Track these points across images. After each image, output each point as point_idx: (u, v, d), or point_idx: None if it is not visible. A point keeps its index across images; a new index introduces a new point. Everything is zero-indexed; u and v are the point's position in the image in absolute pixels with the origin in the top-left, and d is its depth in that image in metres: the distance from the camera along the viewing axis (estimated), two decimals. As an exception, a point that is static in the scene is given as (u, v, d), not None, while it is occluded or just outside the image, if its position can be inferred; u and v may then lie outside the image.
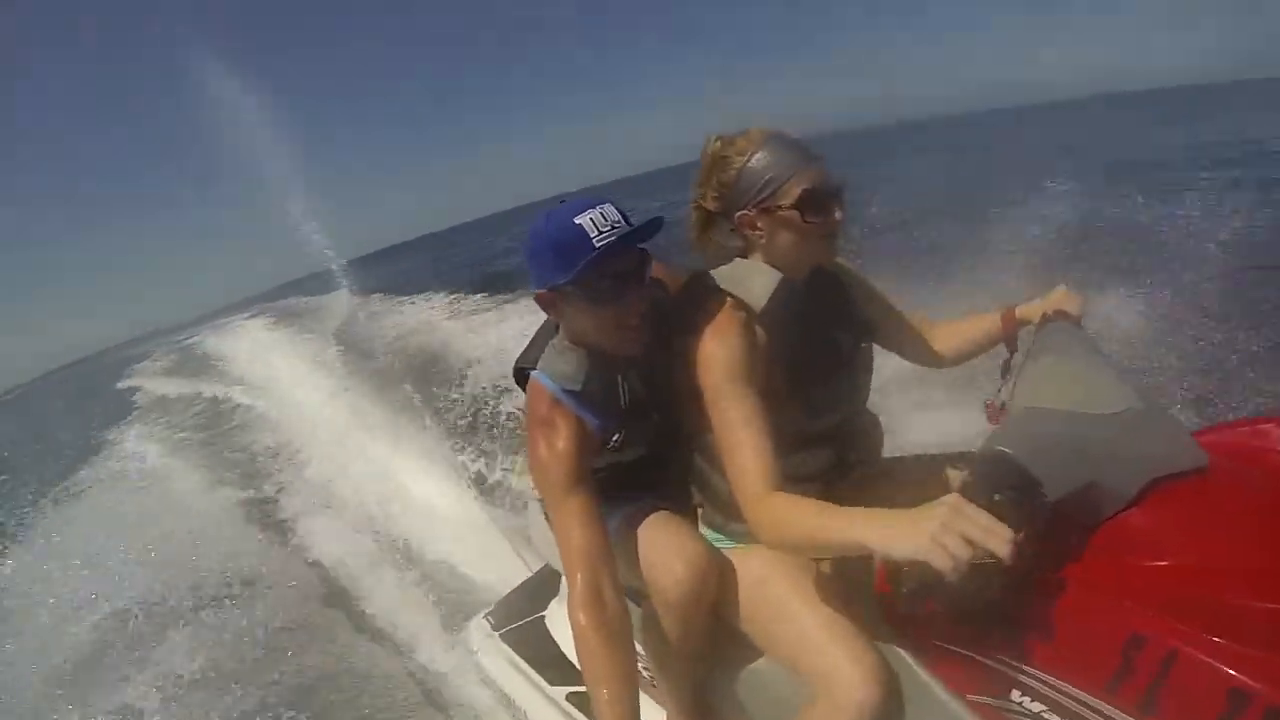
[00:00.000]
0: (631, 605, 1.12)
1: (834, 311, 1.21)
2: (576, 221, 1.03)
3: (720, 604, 1.18)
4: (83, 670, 2.69)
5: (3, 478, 7.22)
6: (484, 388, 4.79)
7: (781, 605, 1.09)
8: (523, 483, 3.41)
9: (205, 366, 9.15)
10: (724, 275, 1.13)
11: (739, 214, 1.10)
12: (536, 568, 2.24)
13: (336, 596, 3.00)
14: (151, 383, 11.18)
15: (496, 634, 1.98)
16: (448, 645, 2.43)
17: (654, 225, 1.07)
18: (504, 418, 4.23)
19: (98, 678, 2.62)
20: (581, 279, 1.04)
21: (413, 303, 9.44)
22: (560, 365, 1.15)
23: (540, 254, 1.07)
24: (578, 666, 1.00)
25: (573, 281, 1.04)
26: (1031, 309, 1.23)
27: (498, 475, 3.71)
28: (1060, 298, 1.20)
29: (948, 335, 1.37)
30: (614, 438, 1.18)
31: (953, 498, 0.71)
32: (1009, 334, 1.27)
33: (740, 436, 1.00)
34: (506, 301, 7.49)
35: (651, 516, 1.24)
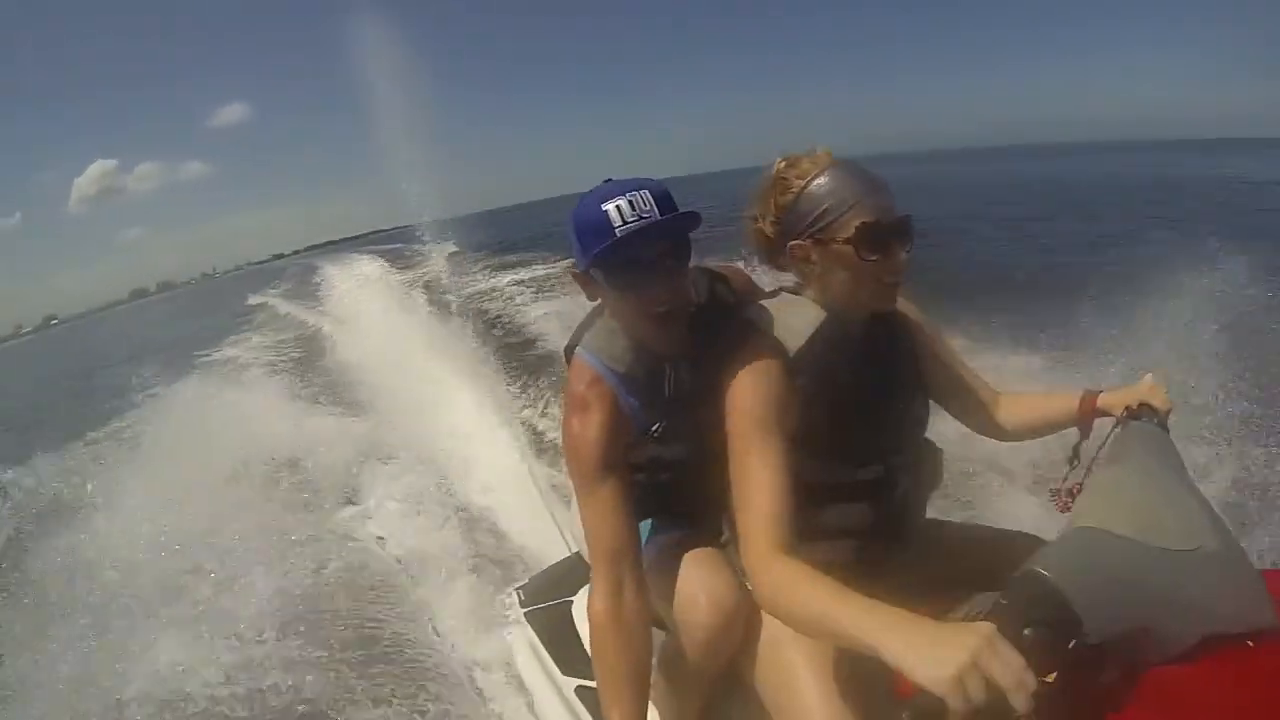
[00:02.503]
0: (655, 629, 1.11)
1: (887, 362, 1.12)
2: (604, 207, 1.02)
3: (739, 653, 1.10)
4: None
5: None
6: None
7: (790, 674, 0.99)
8: None
9: (314, 293, 9.88)
10: (769, 310, 1.07)
11: (792, 244, 1.04)
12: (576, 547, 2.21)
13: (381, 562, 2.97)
14: (271, 301, 12.18)
15: (522, 612, 1.97)
16: (484, 614, 2.44)
17: (688, 220, 1.04)
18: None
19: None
20: (600, 264, 1.04)
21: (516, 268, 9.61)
22: (607, 343, 1.14)
23: (573, 235, 1.08)
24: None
25: (592, 266, 1.05)
26: (1114, 398, 1.14)
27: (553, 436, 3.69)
28: (1146, 390, 1.10)
29: (1016, 407, 1.29)
30: (654, 426, 1.14)
31: (988, 629, 0.64)
32: (1084, 421, 1.18)
33: (754, 488, 0.92)
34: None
35: (688, 552, 1.17)
